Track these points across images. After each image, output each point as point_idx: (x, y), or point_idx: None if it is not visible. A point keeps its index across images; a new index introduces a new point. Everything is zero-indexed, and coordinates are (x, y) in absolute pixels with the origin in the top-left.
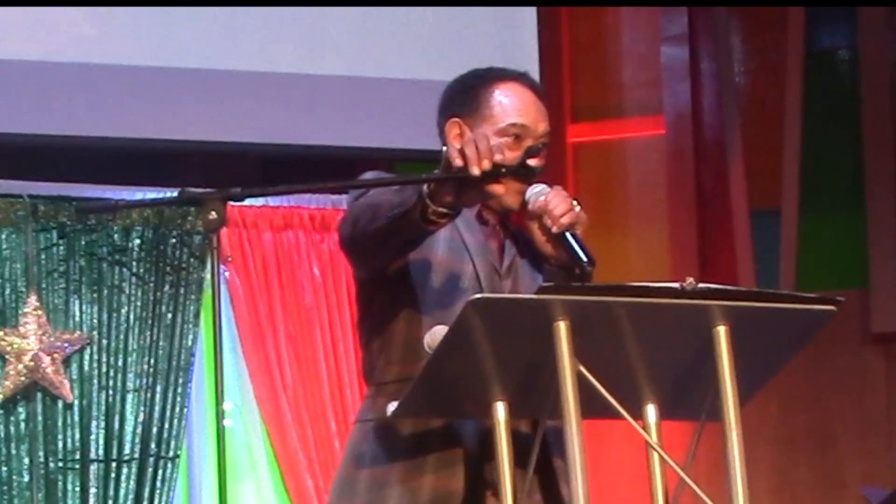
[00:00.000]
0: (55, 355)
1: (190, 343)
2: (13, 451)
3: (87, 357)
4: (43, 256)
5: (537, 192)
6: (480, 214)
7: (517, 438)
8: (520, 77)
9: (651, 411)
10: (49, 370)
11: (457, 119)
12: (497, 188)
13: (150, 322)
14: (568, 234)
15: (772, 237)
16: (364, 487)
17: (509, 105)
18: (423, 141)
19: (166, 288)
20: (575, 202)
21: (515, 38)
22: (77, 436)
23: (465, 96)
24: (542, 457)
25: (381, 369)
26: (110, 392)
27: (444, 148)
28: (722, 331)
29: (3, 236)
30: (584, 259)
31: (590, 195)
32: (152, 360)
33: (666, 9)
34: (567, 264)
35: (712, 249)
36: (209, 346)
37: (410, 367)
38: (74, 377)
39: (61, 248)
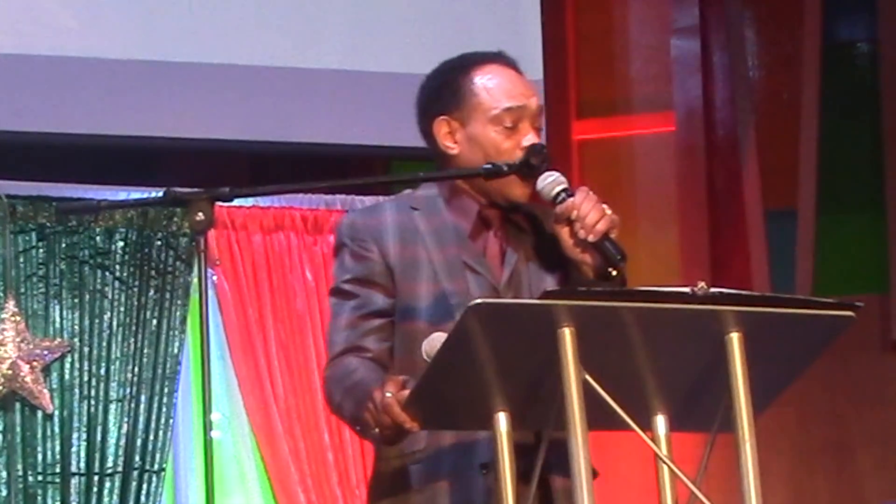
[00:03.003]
0: (34, 363)
1: (176, 350)
2: None
3: (67, 365)
4: (21, 259)
5: (551, 182)
6: (481, 216)
7: (517, 451)
8: (496, 57)
9: (660, 422)
10: (28, 379)
11: (444, 117)
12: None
13: (133, 328)
14: (605, 242)
15: (787, 239)
16: None
17: (496, 89)
18: (421, 138)
19: (151, 293)
20: (604, 206)
21: (518, 31)
22: (57, 448)
23: (445, 91)
24: (540, 474)
25: None
26: (92, 402)
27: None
28: (735, 338)
29: None
30: (618, 257)
31: (596, 195)
32: (136, 369)
33: None
34: (601, 270)
35: (725, 252)
36: (196, 353)
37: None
38: (55, 386)
39: (41, 250)
